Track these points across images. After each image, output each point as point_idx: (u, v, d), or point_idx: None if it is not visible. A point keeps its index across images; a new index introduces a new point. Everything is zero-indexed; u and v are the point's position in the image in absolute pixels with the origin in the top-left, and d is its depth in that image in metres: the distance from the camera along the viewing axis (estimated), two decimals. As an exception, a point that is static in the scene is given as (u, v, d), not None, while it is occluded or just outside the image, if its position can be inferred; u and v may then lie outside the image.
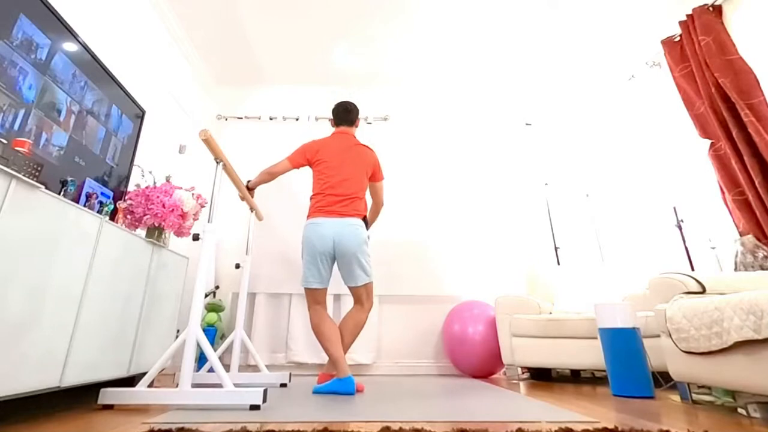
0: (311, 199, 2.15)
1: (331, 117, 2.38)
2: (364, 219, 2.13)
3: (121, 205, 1.86)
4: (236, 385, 1.47)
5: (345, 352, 1.97)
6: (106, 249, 1.52)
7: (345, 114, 2.32)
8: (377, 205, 2.40)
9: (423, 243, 3.16)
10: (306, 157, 2.20)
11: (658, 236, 2.83)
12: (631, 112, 3.16)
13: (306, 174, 2.31)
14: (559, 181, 3.50)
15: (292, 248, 2.98)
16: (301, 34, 3.09)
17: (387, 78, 3.60)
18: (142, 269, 1.80)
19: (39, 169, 1.27)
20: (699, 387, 1.66)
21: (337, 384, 1.85)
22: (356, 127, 2.37)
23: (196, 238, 1.83)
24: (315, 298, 2.06)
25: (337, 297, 2.90)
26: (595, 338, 2.11)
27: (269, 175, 2.23)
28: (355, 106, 2.36)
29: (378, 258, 2.90)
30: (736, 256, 2.18)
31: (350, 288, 2.09)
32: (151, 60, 2.61)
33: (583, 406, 1.57)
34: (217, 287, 2.97)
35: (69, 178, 1.57)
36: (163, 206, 1.91)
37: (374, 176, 2.28)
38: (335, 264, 2.10)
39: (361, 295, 2.08)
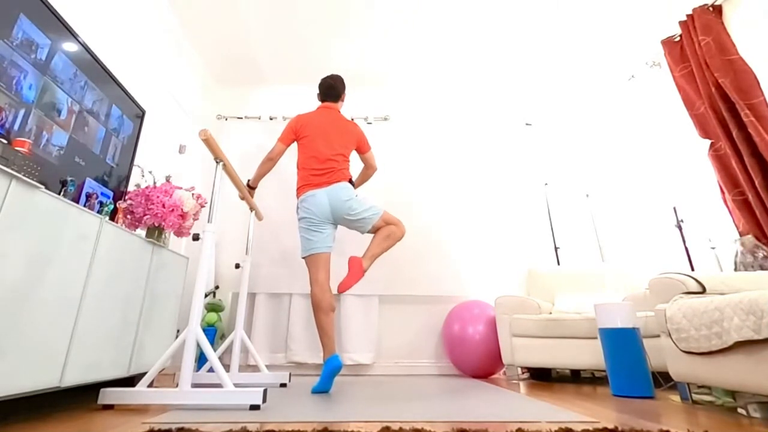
0: (298, 173, 2.21)
1: (318, 92, 2.41)
2: (350, 182, 2.22)
3: (121, 205, 1.86)
4: (236, 385, 1.47)
5: (375, 252, 2.07)
6: (106, 249, 1.52)
7: (330, 90, 2.37)
8: (369, 169, 2.47)
9: (423, 243, 3.15)
10: (293, 131, 2.26)
11: (658, 236, 2.83)
12: (631, 112, 3.16)
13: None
14: (559, 181, 3.50)
15: (292, 248, 2.98)
16: (301, 33, 3.09)
17: (387, 78, 3.60)
18: (142, 269, 1.80)
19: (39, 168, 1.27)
20: (699, 387, 1.66)
21: (326, 367, 1.87)
22: (342, 101, 2.42)
23: (196, 238, 1.83)
24: (320, 263, 2.06)
25: (337, 297, 2.89)
26: (595, 338, 2.11)
27: (270, 162, 2.25)
28: (340, 82, 2.40)
29: (378, 257, 2.91)
30: (736, 256, 2.18)
31: (376, 225, 2.15)
32: (151, 60, 2.61)
33: (583, 406, 1.57)
34: (217, 287, 2.97)
35: (69, 178, 1.57)
36: (163, 206, 1.91)
37: (360, 148, 2.37)
38: (336, 230, 2.20)
39: (389, 221, 2.14)
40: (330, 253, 2.12)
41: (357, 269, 2.00)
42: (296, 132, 2.25)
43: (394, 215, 2.20)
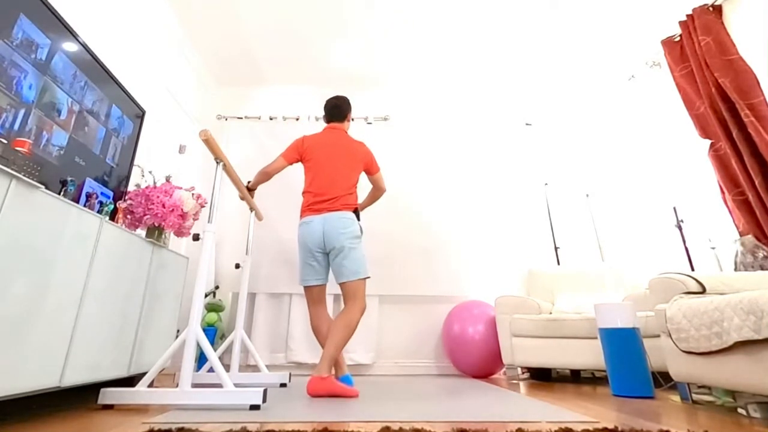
0: (302, 195, 2.16)
1: (323, 113, 2.37)
2: (355, 211, 2.09)
3: (121, 205, 1.86)
4: (236, 385, 1.47)
5: (334, 351, 1.82)
6: (106, 249, 1.52)
7: (334, 110, 2.31)
8: (378, 191, 2.35)
9: (423, 243, 3.16)
10: (298, 152, 2.20)
11: (658, 236, 2.83)
12: (631, 112, 3.16)
13: (306, 174, 2.31)
14: (559, 181, 3.50)
15: (292, 248, 2.98)
16: (301, 33, 3.09)
17: (387, 78, 3.60)
18: (142, 269, 1.80)
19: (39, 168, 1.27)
20: (699, 387, 1.66)
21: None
22: (348, 121, 2.34)
23: (196, 238, 1.83)
24: (312, 296, 2.04)
25: (338, 297, 2.89)
26: (595, 338, 2.11)
27: (266, 175, 2.20)
28: (345, 102, 2.34)
29: (378, 258, 2.91)
30: (736, 256, 2.18)
31: (340, 285, 2.01)
32: (151, 60, 2.61)
33: (583, 406, 1.57)
34: (217, 287, 2.97)
35: (69, 178, 1.57)
36: (163, 206, 1.91)
37: (369, 170, 2.27)
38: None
39: (348, 293, 1.97)
40: (324, 285, 2.06)
41: (319, 387, 1.73)
42: (301, 153, 2.19)
43: (364, 291, 1.98)
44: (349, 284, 1.97)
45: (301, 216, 2.10)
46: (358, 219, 2.09)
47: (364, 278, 2.00)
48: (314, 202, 2.05)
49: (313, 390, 1.73)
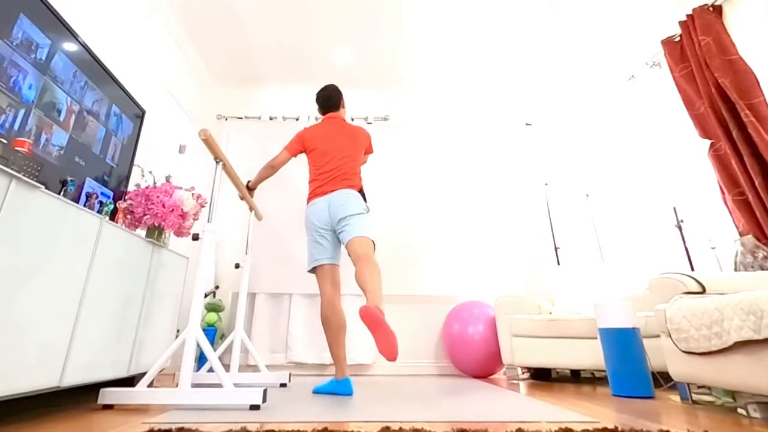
0: (309, 185, 2.18)
1: (317, 107, 2.38)
2: (361, 192, 2.12)
3: (121, 205, 1.86)
4: (236, 385, 1.47)
5: (379, 287, 1.75)
6: (106, 249, 1.52)
7: (328, 101, 2.34)
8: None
9: (423, 243, 3.16)
10: (302, 143, 2.24)
11: (658, 236, 2.83)
12: (631, 112, 3.16)
13: (306, 174, 2.31)
14: (559, 181, 3.50)
15: (292, 248, 2.99)
16: (301, 34, 3.09)
17: (387, 78, 3.60)
18: (142, 269, 1.80)
19: (39, 168, 1.27)
20: (699, 387, 1.66)
21: (335, 385, 1.85)
22: (343, 108, 2.38)
23: (195, 238, 1.83)
24: (325, 275, 1.99)
25: (342, 297, 2.89)
26: (595, 338, 2.11)
27: (271, 169, 2.23)
28: (335, 91, 2.36)
29: (378, 258, 2.90)
30: (736, 256, 2.18)
31: (348, 247, 1.91)
32: (151, 60, 2.61)
33: (583, 406, 1.57)
34: (217, 287, 2.97)
35: (69, 178, 1.57)
36: (163, 206, 1.91)
37: (367, 150, 2.34)
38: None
39: (359, 250, 1.86)
40: (336, 265, 2.03)
41: (373, 318, 1.58)
42: (304, 144, 2.22)
43: (374, 253, 1.91)
44: (358, 240, 1.88)
45: (308, 202, 2.12)
46: (365, 200, 2.11)
47: (373, 242, 1.94)
48: (319, 186, 2.08)
49: (367, 314, 1.60)
